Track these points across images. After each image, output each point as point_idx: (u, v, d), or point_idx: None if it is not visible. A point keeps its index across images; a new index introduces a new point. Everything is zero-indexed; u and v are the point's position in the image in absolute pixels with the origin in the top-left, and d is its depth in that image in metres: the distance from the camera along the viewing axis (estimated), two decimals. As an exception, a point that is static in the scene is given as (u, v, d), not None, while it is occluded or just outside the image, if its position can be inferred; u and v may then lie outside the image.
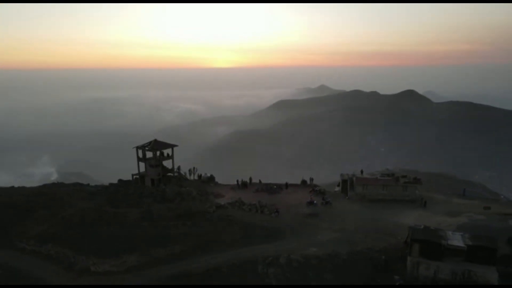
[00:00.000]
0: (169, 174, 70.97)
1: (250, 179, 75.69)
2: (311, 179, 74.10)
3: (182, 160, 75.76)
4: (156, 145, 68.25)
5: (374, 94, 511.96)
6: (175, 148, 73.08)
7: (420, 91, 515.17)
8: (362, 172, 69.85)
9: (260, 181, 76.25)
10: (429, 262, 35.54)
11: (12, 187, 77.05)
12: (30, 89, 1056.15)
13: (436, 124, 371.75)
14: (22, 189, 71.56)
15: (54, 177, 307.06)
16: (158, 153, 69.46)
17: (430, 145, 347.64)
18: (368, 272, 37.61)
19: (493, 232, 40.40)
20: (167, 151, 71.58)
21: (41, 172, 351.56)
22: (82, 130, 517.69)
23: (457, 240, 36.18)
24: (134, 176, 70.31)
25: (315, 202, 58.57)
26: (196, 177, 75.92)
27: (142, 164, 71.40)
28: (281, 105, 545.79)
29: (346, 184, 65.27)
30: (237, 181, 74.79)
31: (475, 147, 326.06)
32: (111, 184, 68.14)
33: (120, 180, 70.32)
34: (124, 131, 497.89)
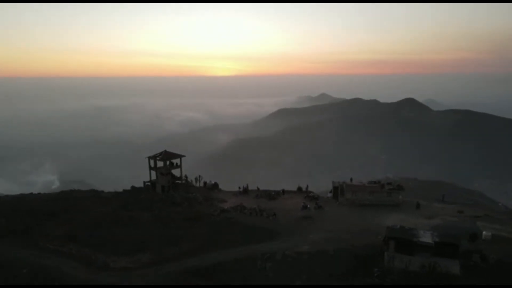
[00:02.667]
0: (178, 181, 77.35)
1: (247, 186, 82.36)
2: (307, 186, 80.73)
3: (183, 168, 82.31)
4: (166, 155, 74.97)
5: (374, 102, 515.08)
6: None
7: (420, 99, 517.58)
8: (351, 179, 76.28)
9: (258, 188, 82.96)
10: (402, 256, 41.39)
11: (31, 193, 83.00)
12: (32, 97, 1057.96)
13: (436, 132, 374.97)
14: (42, 195, 77.35)
15: (55, 185, 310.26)
16: (168, 162, 76.08)
17: (430, 153, 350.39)
18: (351, 265, 43.33)
19: (460, 231, 46.48)
20: (175, 161, 77.98)
21: (43, 180, 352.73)
22: (83, 138, 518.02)
23: (426, 238, 42.12)
24: (146, 183, 76.89)
25: (308, 206, 64.50)
26: (201, 184, 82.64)
27: (150, 172, 78.18)
28: (282, 113, 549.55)
29: (337, 190, 71.83)
30: (239, 187, 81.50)
31: (475, 155, 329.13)
32: (124, 191, 74.45)
33: (132, 187, 76.69)
34: (125, 139, 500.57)
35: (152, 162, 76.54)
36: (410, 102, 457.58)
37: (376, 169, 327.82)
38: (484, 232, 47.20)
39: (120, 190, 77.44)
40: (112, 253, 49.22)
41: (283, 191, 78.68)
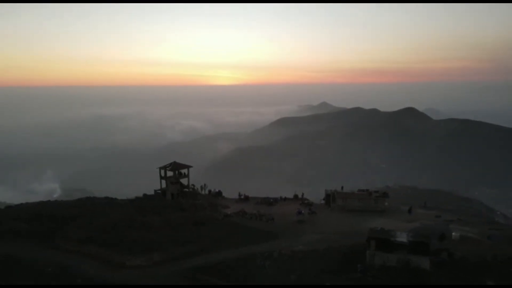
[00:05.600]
0: (185, 189, 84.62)
1: (239, 193, 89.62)
2: (302, 194, 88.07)
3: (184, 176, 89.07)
4: (175, 166, 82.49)
5: (374, 111, 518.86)
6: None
7: (420, 108, 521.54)
8: (342, 188, 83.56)
9: (242, 194, 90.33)
10: (381, 254, 47.68)
11: (49, 201, 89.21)
12: (35, 106, 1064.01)
13: (436, 141, 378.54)
14: (60, 202, 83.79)
15: (57, 193, 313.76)
16: (176, 172, 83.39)
17: (431, 161, 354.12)
18: (338, 262, 49.71)
19: (433, 232, 53.13)
20: (183, 171, 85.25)
21: (44, 188, 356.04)
22: (85, 147, 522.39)
23: (402, 238, 48.66)
24: (157, 191, 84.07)
25: (303, 212, 71.32)
26: (207, 192, 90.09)
27: (161, 181, 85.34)
28: (283, 122, 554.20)
29: (329, 197, 79.13)
30: (241, 195, 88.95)
31: (475, 164, 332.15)
32: (137, 198, 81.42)
33: (144, 194, 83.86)
34: (127, 148, 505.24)
35: (162, 172, 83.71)
36: (410, 111, 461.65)
37: (376, 177, 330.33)
38: (453, 233, 53.90)
39: (132, 197, 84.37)
40: (127, 253, 53.90)
41: (281, 198, 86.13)
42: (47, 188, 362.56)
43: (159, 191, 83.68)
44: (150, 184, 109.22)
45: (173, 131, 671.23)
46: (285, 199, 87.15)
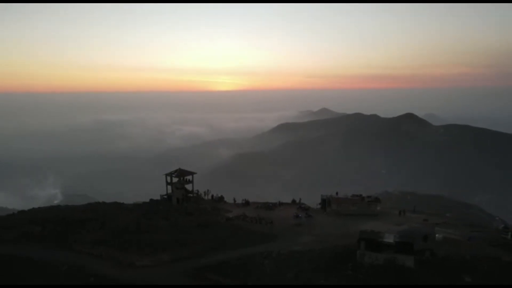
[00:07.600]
0: (190, 194, 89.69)
1: (234, 199, 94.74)
2: (300, 199, 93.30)
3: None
4: (180, 172, 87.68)
5: (374, 117, 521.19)
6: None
7: (420, 113, 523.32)
8: (337, 193, 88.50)
9: (234, 199, 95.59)
10: (370, 253, 51.97)
11: (59, 205, 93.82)
12: (37, 111, 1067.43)
13: (436, 147, 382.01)
14: (71, 206, 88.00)
15: (58, 199, 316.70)
16: (181, 178, 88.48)
17: (430, 167, 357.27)
18: (332, 261, 53.97)
19: (419, 234, 57.71)
20: (188, 177, 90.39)
21: (45, 194, 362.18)
22: (86, 152, 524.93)
23: (389, 239, 53.28)
24: (163, 196, 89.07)
25: (300, 215, 76.02)
26: (210, 197, 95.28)
27: (167, 187, 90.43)
28: (283, 128, 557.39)
29: (325, 202, 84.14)
30: (242, 200, 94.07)
31: (474, 170, 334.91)
32: (144, 203, 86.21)
33: (151, 199, 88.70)
34: (127, 153, 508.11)
35: (168, 178, 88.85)
36: (410, 117, 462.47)
37: (377, 183, 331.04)
38: (437, 235, 58.57)
39: (138, 201, 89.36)
40: (136, 254, 57.51)
41: (279, 203, 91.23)
42: (48, 193, 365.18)
43: (165, 196, 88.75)
44: (152, 189, 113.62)
45: (174, 136, 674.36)
46: (283, 203, 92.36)
